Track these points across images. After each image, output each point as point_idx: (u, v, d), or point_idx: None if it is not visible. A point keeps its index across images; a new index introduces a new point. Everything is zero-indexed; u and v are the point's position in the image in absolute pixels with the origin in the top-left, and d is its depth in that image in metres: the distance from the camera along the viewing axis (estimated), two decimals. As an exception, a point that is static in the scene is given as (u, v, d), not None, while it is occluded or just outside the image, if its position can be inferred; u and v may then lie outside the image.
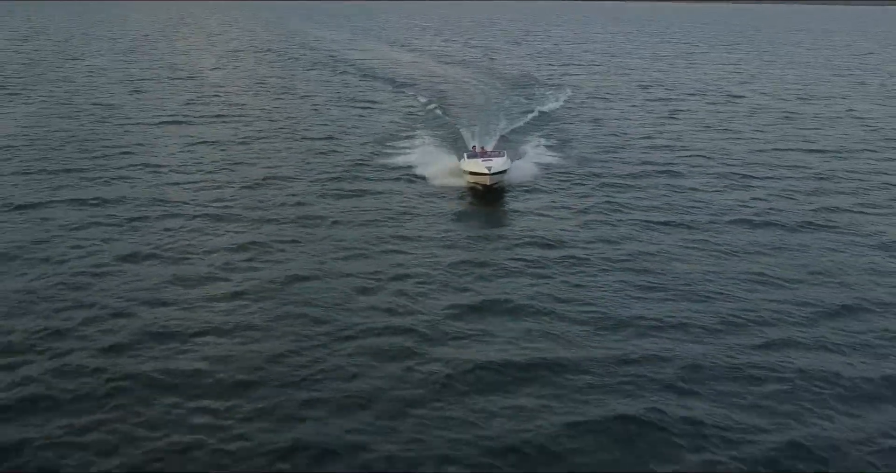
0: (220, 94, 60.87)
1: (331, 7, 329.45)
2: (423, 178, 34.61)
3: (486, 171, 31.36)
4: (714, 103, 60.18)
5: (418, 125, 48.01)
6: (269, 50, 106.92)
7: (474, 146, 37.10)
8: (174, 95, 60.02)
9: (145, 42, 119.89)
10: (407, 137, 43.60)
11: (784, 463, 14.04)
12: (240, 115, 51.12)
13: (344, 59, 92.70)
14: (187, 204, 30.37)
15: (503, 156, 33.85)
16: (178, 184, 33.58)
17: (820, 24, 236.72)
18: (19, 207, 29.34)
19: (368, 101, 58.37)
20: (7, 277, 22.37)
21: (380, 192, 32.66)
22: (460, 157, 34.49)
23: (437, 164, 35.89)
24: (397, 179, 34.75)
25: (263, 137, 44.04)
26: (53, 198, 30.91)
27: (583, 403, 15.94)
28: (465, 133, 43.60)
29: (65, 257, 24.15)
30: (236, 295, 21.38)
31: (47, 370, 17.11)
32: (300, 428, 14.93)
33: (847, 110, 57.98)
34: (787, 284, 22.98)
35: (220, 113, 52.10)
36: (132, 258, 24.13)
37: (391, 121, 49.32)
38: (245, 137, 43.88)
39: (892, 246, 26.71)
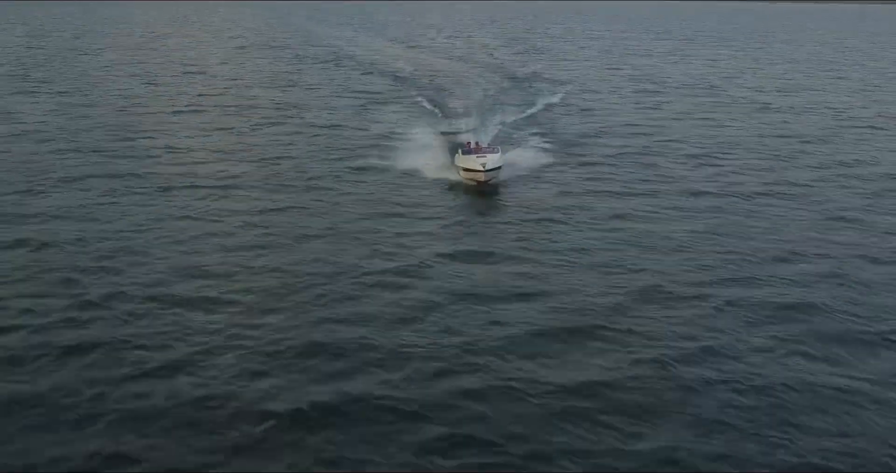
0: (231, 87, 64.55)
1: (331, 7, 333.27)
2: (421, 161, 37.79)
3: (481, 168, 31.84)
4: (697, 95, 63.65)
5: (417, 114, 51.54)
6: (273, 47, 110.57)
7: (469, 141, 36.79)
8: (187, 87, 63.77)
9: (153, 39, 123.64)
10: (407, 125, 46.96)
11: (693, 359, 17.77)
12: (251, 106, 54.68)
13: (347, 55, 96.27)
14: (209, 177, 34.08)
15: (497, 152, 34.23)
16: (198, 162, 37.27)
17: (817, 23, 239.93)
18: (62, 180, 33.12)
19: (371, 93, 61.94)
20: (61, 232, 26.10)
21: (381, 170, 36.08)
22: (455, 153, 34.96)
23: (433, 151, 38.84)
24: (396, 160, 38.07)
25: (273, 124, 47.69)
26: (89, 174, 34.59)
27: (544, 319, 19.69)
28: (462, 125, 46.76)
29: (108, 218, 27.91)
30: (258, 246, 25.11)
31: (105, 295, 20.88)
32: (316, 336, 18.63)
33: (822, 102, 61.46)
34: (734, 239, 26.67)
35: (232, 103, 55.72)
36: (166, 218, 27.89)
37: (393, 112, 52.60)
38: (256, 124, 47.57)
39: (832, 211, 30.44)
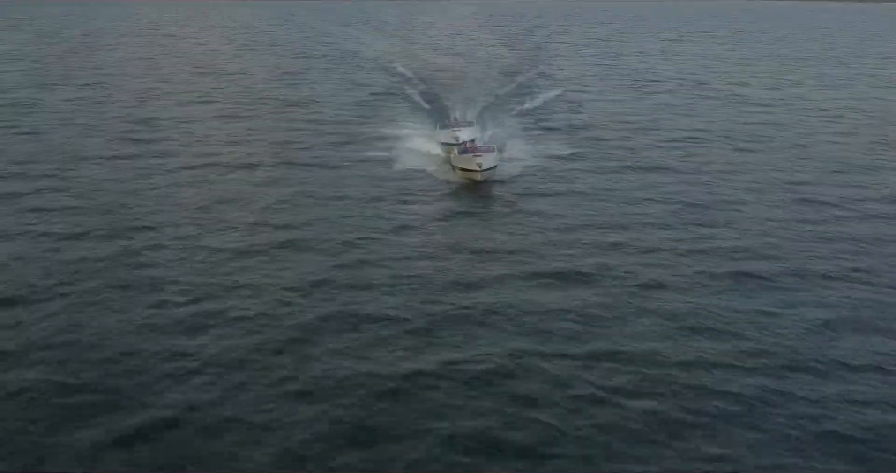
0: (240, 81, 68.03)
1: (331, 7, 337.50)
2: (419, 149, 40.85)
3: (478, 168, 33.08)
4: (683, 89, 67.15)
5: (415, 107, 54.95)
6: (277, 45, 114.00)
7: (465, 141, 37.00)
8: (200, 80, 67.50)
9: (161, 38, 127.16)
10: (404, 117, 50.26)
11: (640, 293, 21.68)
12: (261, 98, 58.17)
13: (350, 53, 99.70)
14: (226, 156, 38.26)
15: (493, 151, 35.44)
16: (216, 143, 41.52)
17: (813, 22, 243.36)
18: (97, 160, 37.16)
19: (373, 88, 65.41)
20: (100, 200, 30.16)
21: (382, 153, 39.53)
22: (450, 153, 36.17)
23: (429, 139, 41.88)
24: (397, 148, 41.25)
25: (282, 112, 51.49)
26: (118, 154, 38.56)
27: (522, 265, 23.58)
28: (459, 117, 49.48)
29: (140, 190, 31.90)
30: (276, 211, 29.22)
31: (147, 247, 25.04)
32: (331, 274, 22.59)
33: (796, 95, 64.98)
34: (695, 208, 30.68)
35: (243, 96, 59.28)
36: (192, 190, 31.96)
37: (393, 105, 55.87)
38: (267, 113, 51.39)
39: (781, 185, 34.54)
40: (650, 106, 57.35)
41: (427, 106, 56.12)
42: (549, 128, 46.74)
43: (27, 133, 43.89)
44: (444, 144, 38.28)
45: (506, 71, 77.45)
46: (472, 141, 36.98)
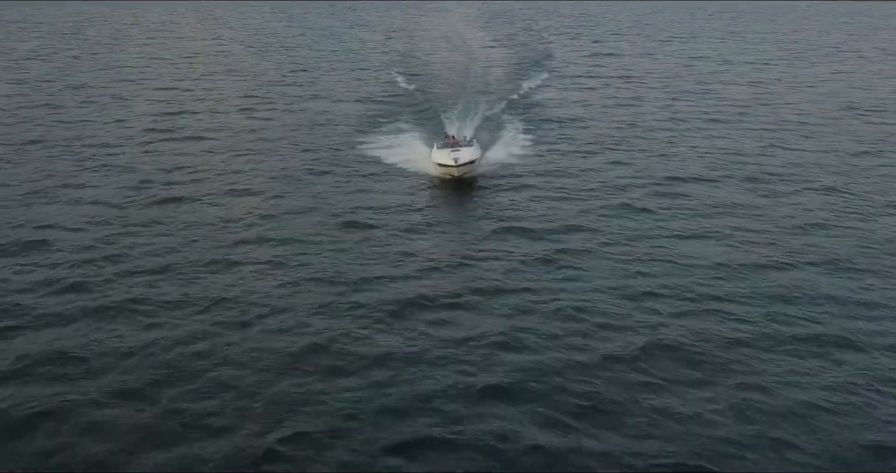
0: (253, 78, 73.31)
1: (331, 7, 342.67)
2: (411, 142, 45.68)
3: (454, 163, 34.80)
4: (667, 83, 72.37)
5: (413, 103, 59.84)
6: (285, 46, 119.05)
7: (447, 135, 39.70)
8: (216, 77, 72.83)
9: (173, 40, 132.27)
10: (407, 115, 55.03)
11: (613, 251, 27.14)
12: (272, 94, 63.44)
13: (354, 52, 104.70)
14: (240, 140, 44.27)
15: (473, 145, 37.62)
16: (235, 127, 47.41)
17: (808, 22, 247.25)
18: (136, 144, 43.34)
19: (377, 85, 70.56)
20: (134, 195, 35.51)
21: (386, 146, 44.91)
22: (447, 174, 35.91)
23: (419, 133, 46.30)
24: (398, 143, 46.43)
25: (290, 104, 57.07)
26: (150, 140, 44.62)
27: (518, 248, 28.84)
28: (451, 114, 53.84)
29: (176, 166, 37.75)
30: (280, 190, 34.93)
31: (181, 211, 30.65)
32: (337, 232, 28.23)
33: (771, 93, 69.93)
34: (658, 185, 36.64)
35: (256, 91, 64.63)
36: (219, 166, 37.79)
37: (396, 103, 60.82)
38: (276, 105, 56.93)
39: (730, 155, 42.32)
40: (635, 99, 62.38)
41: (424, 99, 61.12)
42: (542, 120, 51.91)
43: (66, 121, 49.37)
44: (441, 166, 35.63)
45: (506, 70, 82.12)
46: (453, 136, 38.67)
